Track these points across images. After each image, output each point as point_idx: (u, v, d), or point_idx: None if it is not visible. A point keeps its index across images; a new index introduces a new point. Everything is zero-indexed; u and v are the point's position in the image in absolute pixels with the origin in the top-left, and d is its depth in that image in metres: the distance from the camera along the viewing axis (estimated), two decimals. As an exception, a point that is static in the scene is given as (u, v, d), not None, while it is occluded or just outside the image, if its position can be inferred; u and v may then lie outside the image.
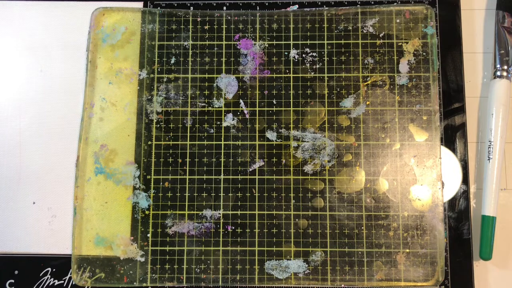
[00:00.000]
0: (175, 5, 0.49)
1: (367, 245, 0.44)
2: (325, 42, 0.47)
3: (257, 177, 0.45)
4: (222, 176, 0.45)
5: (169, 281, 0.44)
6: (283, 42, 0.47)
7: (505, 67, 0.45)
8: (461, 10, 0.48)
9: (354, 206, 0.45)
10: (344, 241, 0.44)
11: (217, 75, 0.47)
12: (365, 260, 0.44)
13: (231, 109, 0.46)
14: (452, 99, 0.46)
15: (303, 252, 0.44)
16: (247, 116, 0.46)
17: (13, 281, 0.45)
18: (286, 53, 0.47)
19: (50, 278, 0.45)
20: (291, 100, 0.46)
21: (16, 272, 0.45)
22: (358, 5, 0.48)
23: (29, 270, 0.45)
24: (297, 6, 0.48)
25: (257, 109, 0.46)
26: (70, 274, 0.45)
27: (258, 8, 0.49)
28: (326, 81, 0.46)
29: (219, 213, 0.45)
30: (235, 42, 0.47)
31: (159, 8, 0.49)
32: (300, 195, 0.45)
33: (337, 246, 0.44)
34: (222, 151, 0.46)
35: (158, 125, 0.46)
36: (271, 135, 0.46)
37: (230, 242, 0.44)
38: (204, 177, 0.45)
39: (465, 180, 0.45)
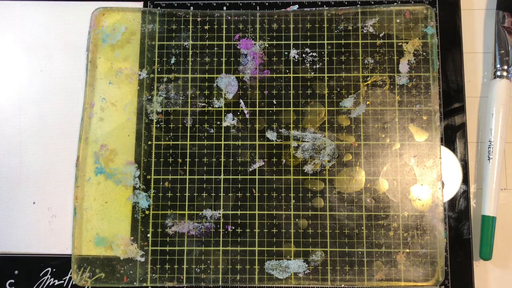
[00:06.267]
0: (175, 5, 0.49)
1: (367, 245, 0.44)
2: (325, 42, 0.47)
3: (257, 177, 0.45)
4: (222, 176, 0.45)
5: (169, 281, 0.44)
6: (283, 42, 0.47)
7: (505, 67, 0.45)
8: (461, 10, 0.48)
9: (354, 206, 0.45)
10: (344, 241, 0.44)
11: (217, 75, 0.47)
12: (365, 260, 0.44)
13: (231, 109, 0.46)
14: (452, 99, 0.46)
15: (303, 252, 0.44)
16: (247, 116, 0.46)
17: (13, 281, 0.45)
18: (286, 53, 0.47)
19: (50, 278, 0.45)
20: (291, 100, 0.46)
21: (16, 272, 0.45)
22: (358, 5, 0.48)
23: (29, 270, 0.45)
24: (297, 6, 0.48)
25: (257, 109, 0.46)
26: (70, 274, 0.45)
27: (258, 8, 0.49)
28: (326, 81, 0.46)
29: (219, 213, 0.45)
30: (235, 42, 0.47)
31: (159, 8, 0.49)
32: (300, 195, 0.45)
33: (337, 246, 0.44)
34: (222, 151, 0.46)
35: (158, 125, 0.46)
36: (271, 135, 0.46)
37: (230, 242, 0.44)
38: (204, 177, 0.45)
39: (465, 180, 0.45)
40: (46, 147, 0.47)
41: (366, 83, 0.46)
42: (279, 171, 0.45)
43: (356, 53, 0.47)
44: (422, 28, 0.47)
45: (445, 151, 0.46)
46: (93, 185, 0.45)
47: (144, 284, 0.44)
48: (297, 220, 0.45)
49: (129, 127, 0.46)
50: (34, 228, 0.46)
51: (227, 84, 0.47)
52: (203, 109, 0.46)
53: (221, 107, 0.46)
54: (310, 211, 0.45)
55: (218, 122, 0.46)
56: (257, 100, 0.46)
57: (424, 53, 0.46)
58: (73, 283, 0.45)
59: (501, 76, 0.45)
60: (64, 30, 0.49)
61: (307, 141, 0.46)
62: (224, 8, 0.49)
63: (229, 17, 0.48)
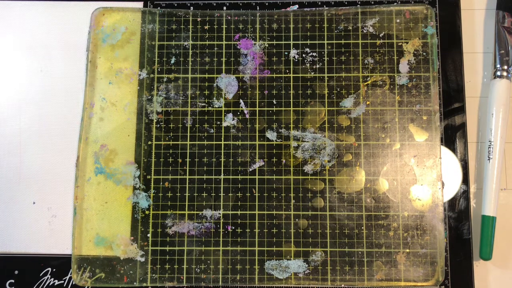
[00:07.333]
0: (175, 5, 0.49)
1: (367, 245, 0.44)
2: (325, 42, 0.47)
3: (257, 177, 0.45)
4: (222, 176, 0.45)
5: (169, 281, 0.44)
6: (283, 42, 0.47)
7: (505, 67, 0.45)
8: (461, 10, 0.48)
9: (354, 206, 0.45)
10: (344, 241, 0.44)
11: (217, 75, 0.47)
12: (365, 260, 0.44)
13: (231, 109, 0.46)
14: (452, 99, 0.46)
15: (303, 252, 0.44)
16: (247, 116, 0.46)
17: (13, 281, 0.45)
18: (286, 53, 0.47)
19: (50, 278, 0.45)
20: (291, 100, 0.46)
21: (16, 272, 0.45)
22: (358, 5, 0.48)
23: (29, 270, 0.45)
24: (297, 6, 0.48)
25: (257, 109, 0.46)
26: (70, 274, 0.45)
27: (258, 8, 0.49)
28: (326, 81, 0.46)
29: (219, 213, 0.45)
30: (235, 42, 0.47)
31: (159, 8, 0.49)
32: (300, 195, 0.45)
33: (337, 246, 0.44)
34: (222, 151, 0.46)
35: (158, 125, 0.46)
36: (271, 135, 0.46)
37: (230, 242, 0.44)
38: (204, 177, 0.45)
39: (465, 180, 0.45)
40: (46, 147, 0.47)
41: (366, 83, 0.46)
42: (279, 171, 0.45)
43: (356, 53, 0.47)
44: (422, 28, 0.47)
45: (445, 151, 0.46)
46: (93, 185, 0.45)
47: (144, 284, 0.44)
48: (297, 220, 0.45)
49: (129, 127, 0.46)
50: (34, 228, 0.46)
51: (227, 84, 0.47)
52: (203, 109, 0.46)
53: (221, 107, 0.46)
54: (310, 211, 0.45)
55: (218, 122, 0.46)
56: (257, 100, 0.46)
57: (424, 53, 0.46)
58: (73, 283, 0.45)
59: (501, 76, 0.45)
60: (64, 30, 0.49)
61: (307, 141, 0.46)
62: (224, 8, 0.49)
63: (229, 17, 0.48)
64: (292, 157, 0.46)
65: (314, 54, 0.47)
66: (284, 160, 0.45)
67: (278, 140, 0.46)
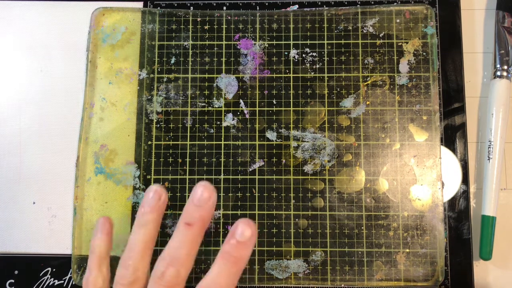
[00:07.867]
0: (175, 5, 0.49)
1: (367, 245, 0.44)
2: (325, 42, 0.47)
3: (257, 177, 0.45)
4: (222, 176, 0.45)
5: (169, 281, 0.44)
6: (283, 42, 0.47)
7: (505, 67, 0.45)
8: (461, 10, 0.48)
9: (354, 206, 0.45)
10: (344, 241, 0.44)
11: (217, 75, 0.47)
12: (365, 260, 0.44)
13: (231, 109, 0.46)
14: (452, 99, 0.46)
15: (303, 252, 0.44)
16: (247, 116, 0.46)
17: (13, 281, 0.45)
18: (286, 53, 0.47)
19: (50, 278, 0.45)
20: (291, 100, 0.46)
21: (16, 272, 0.45)
22: (358, 5, 0.48)
23: (29, 270, 0.45)
24: (297, 6, 0.48)
25: (257, 109, 0.46)
26: (70, 274, 0.45)
27: (258, 8, 0.49)
28: (326, 81, 0.46)
29: (219, 213, 0.45)
30: (235, 42, 0.47)
31: (159, 8, 0.49)
32: (300, 195, 0.45)
33: (337, 246, 0.44)
34: (222, 151, 0.46)
35: (158, 125, 0.46)
36: (271, 135, 0.46)
37: (230, 242, 0.44)
38: (204, 177, 0.45)
39: (465, 180, 0.45)
40: (46, 147, 0.47)
41: (366, 83, 0.46)
42: (279, 171, 0.45)
43: (356, 53, 0.47)
44: (422, 28, 0.47)
45: (445, 151, 0.46)
46: (93, 185, 0.45)
47: (144, 284, 0.44)
48: (297, 220, 0.45)
49: (129, 127, 0.46)
50: (34, 228, 0.46)
51: (227, 84, 0.47)
52: (203, 109, 0.46)
53: (221, 107, 0.46)
54: (310, 211, 0.45)
55: (218, 122, 0.46)
56: (257, 100, 0.46)
57: (424, 53, 0.46)
58: (73, 283, 0.45)
59: (501, 76, 0.45)
60: (64, 30, 0.49)
61: (307, 141, 0.46)
62: (224, 8, 0.49)
63: (229, 17, 0.48)
64: (292, 157, 0.46)
65: (314, 54, 0.47)
66: (284, 160, 0.45)
67: (278, 140, 0.46)
